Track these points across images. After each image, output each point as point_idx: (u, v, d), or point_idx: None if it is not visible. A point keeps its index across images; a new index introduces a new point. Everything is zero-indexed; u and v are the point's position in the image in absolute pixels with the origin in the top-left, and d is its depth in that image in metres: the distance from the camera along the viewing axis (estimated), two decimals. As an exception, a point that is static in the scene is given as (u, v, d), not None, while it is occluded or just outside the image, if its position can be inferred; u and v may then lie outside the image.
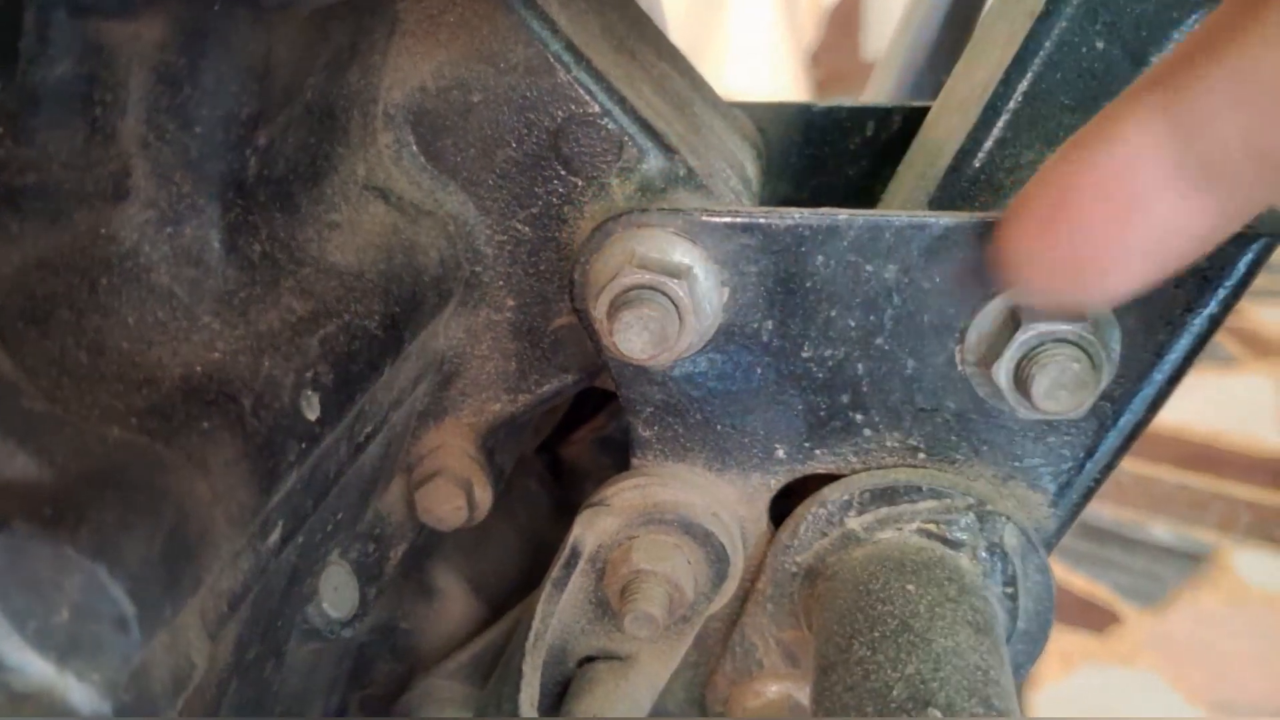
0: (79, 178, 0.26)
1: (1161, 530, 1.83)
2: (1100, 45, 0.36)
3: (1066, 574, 1.73)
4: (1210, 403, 2.17)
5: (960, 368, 0.35)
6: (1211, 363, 2.29)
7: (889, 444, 0.37)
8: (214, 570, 0.25)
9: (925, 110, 0.44)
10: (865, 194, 0.47)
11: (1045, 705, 1.50)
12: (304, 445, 0.28)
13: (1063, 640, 1.62)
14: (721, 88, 0.48)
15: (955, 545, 0.36)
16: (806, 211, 0.34)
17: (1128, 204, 0.24)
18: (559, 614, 0.38)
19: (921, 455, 0.37)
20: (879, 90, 0.78)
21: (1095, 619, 1.66)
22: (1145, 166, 0.24)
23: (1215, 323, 0.35)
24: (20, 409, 0.23)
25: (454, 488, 0.42)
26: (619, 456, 0.54)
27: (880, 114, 0.48)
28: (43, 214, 0.25)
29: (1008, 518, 0.36)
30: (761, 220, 0.34)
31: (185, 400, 0.26)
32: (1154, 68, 0.25)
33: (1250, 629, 1.62)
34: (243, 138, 0.28)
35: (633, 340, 0.34)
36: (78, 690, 0.23)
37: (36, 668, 0.22)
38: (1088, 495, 0.37)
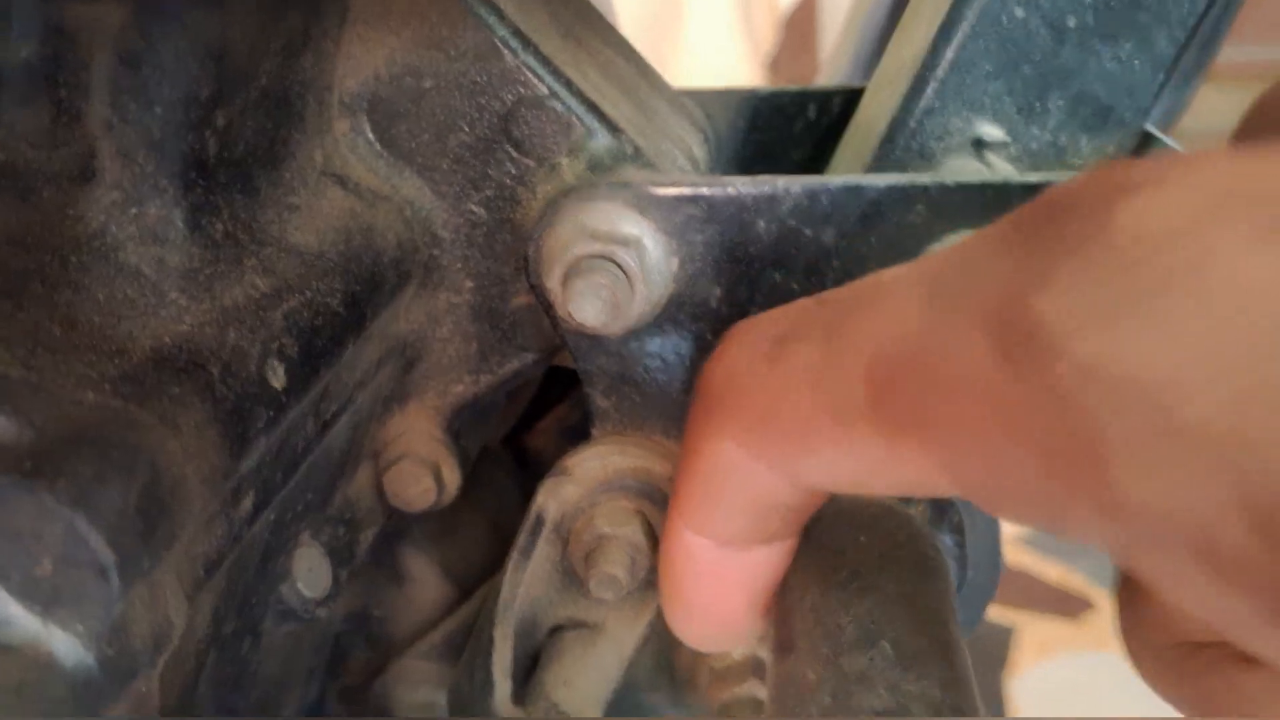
0: (46, 158, 0.27)
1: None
2: (1020, 14, 0.37)
3: (1039, 564, 1.75)
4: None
5: (901, 324, 0.37)
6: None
7: None
8: (188, 526, 0.26)
9: (863, 91, 0.46)
10: (812, 175, 0.49)
11: (1024, 692, 1.51)
12: (271, 413, 0.30)
13: (1038, 629, 1.64)
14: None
15: (905, 499, 0.38)
16: (748, 180, 0.36)
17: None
18: (527, 584, 0.39)
19: None
20: (830, 80, 0.80)
21: (1069, 606, 1.67)
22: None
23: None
24: None
25: (421, 470, 0.43)
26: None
27: (821, 97, 0.49)
28: (11, 192, 0.26)
29: (953, 468, 0.38)
30: (705, 191, 0.36)
31: (156, 368, 0.27)
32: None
33: None
34: (202, 118, 0.29)
35: (586, 309, 0.35)
36: (62, 642, 0.24)
37: (22, 620, 0.23)
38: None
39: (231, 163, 0.31)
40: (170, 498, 0.26)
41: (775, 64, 2.47)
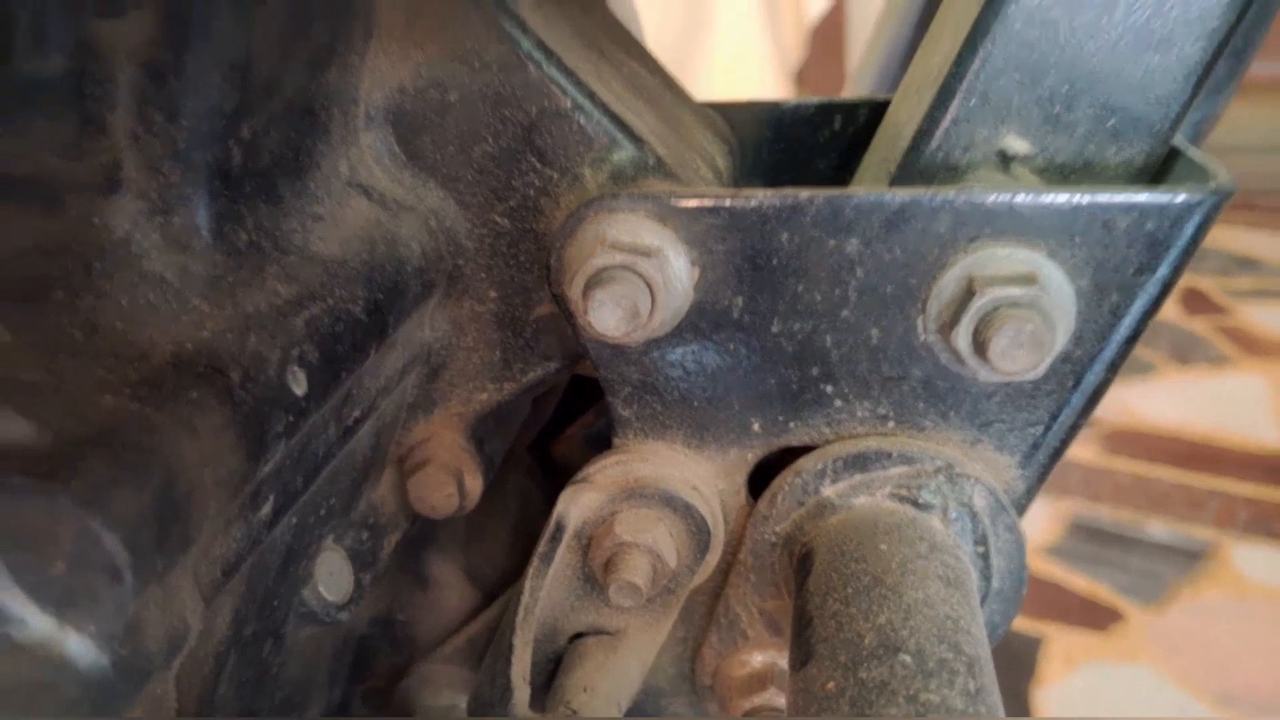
0: (71, 168, 0.27)
1: (1160, 529, 1.84)
2: (1047, 23, 0.37)
3: (1068, 575, 1.74)
4: (1205, 402, 2.18)
5: (923, 336, 0.36)
6: (1205, 363, 2.31)
7: (859, 414, 0.38)
8: (204, 529, 0.26)
9: (889, 103, 0.46)
10: (836, 185, 0.49)
11: (1050, 704, 1.51)
12: (291, 418, 0.30)
13: (1065, 639, 1.63)
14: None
15: (926, 507, 0.38)
16: (770, 191, 0.36)
17: None
18: (547, 590, 0.39)
19: (891, 423, 0.38)
20: (856, 91, 0.79)
21: (1097, 618, 1.67)
22: None
23: (1168, 284, 0.36)
24: (17, 379, 0.25)
25: (445, 476, 0.43)
26: (608, 451, 0.56)
27: (846, 108, 0.49)
28: (37, 202, 0.26)
29: (976, 480, 0.38)
30: (728, 202, 0.36)
31: (175, 373, 0.27)
32: None
33: (1250, 623, 1.63)
34: (226, 129, 0.30)
35: (606, 318, 0.35)
36: (76, 642, 0.24)
37: (36, 620, 0.23)
38: (1055, 456, 0.39)
39: (256, 173, 0.31)
40: (186, 501, 0.26)
41: (802, 75, 2.47)
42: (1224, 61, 0.52)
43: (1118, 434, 2.09)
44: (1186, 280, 2.58)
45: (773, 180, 0.50)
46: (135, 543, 0.24)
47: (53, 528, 0.23)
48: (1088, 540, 1.83)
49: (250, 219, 0.31)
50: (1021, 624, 1.62)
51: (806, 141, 0.50)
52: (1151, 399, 2.22)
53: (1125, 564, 1.75)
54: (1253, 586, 1.70)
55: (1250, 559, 1.76)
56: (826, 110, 0.49)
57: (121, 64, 0.27)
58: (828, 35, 2.52)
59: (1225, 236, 2.81)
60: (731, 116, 0.48)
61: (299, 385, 0.30)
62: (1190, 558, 1.77)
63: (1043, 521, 1.87)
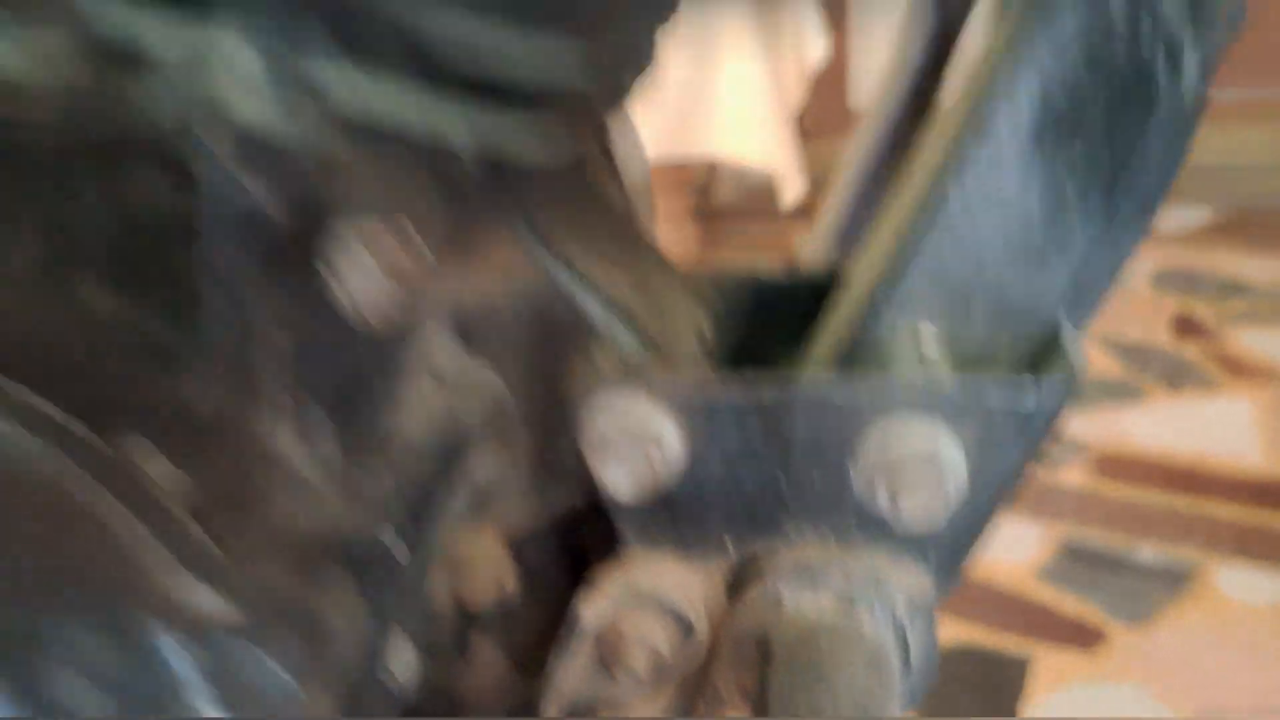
0: (240, 408, 0.39)
1: (1148, 552, 1.90)
2: (954, 249, 0.48)
3: (1057, 595, 1.82)
4: (1193, 426, 2.24)
5: (854, 483, 0.48)
6: (1194, 387, 2.37)
7: (808, 535, 0.50)
8: (332, 654, 0.39)
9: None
10: (804, 334, 0.60)
11: (1037, 722, 1.59)
12: (391, 568, 0.42)
13: (1052, 658, 1.70)
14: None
15: (857, 608, 0.49)
16: (737, 386, 0.47)
17: None
18: (568, 675, 0.51)
19: (834, 543, 0.50)
20: (859, 141, 0.86)
21: (1084, 638, 1.74)
22: None
23: (1040, 442, 0.48)
24: (206, 560, 0.37)
25: (489, 580, 0.55)
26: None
27: (814, 279, 0.61)
28: (224, 439, 0.39)
29: (898, 586, 0.49)
30: (704, 389, 0.47)
31: (313, 547, 0.39)
32: None
33: (1232, 643, 1.69)
34: (340, 379, 0.42)
35: (618, 483, 0.47)
36: None
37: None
38: (962, 564, 0.50)
39: (363, 399, 0.44)
40: (324, 639, 0.38)
41: (803, 120, 2.59)
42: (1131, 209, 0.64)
43: (1109, 459, 2.15)
44: (1180, 307, 2.66)
45: (751, 333, 0.61)
46: (297, 671, 0.36)
47: (244, 667, 0.35)
48: (1077, 563, 1.90)
49: (360, 427, 0.43)
50: (1011, 645, 1.71)
51: (781, 301, 0.61)
52: (1142, 424, 2.28)
53: (1113, 586, 1.82)
54: (1234, 607, 1.77)
55: (1232, 580, 1.83)
56: (796, 280, 0.61)
57: (270, 336, 0.39)
58: (829, 82, 2.63)
59: (1221, 260, 2.87)
60: (716, 284, 0.60)
61: (393, 542, 0.43)
62: (1176, 579, 1.83)
63: (1033, 545, 1.94)
